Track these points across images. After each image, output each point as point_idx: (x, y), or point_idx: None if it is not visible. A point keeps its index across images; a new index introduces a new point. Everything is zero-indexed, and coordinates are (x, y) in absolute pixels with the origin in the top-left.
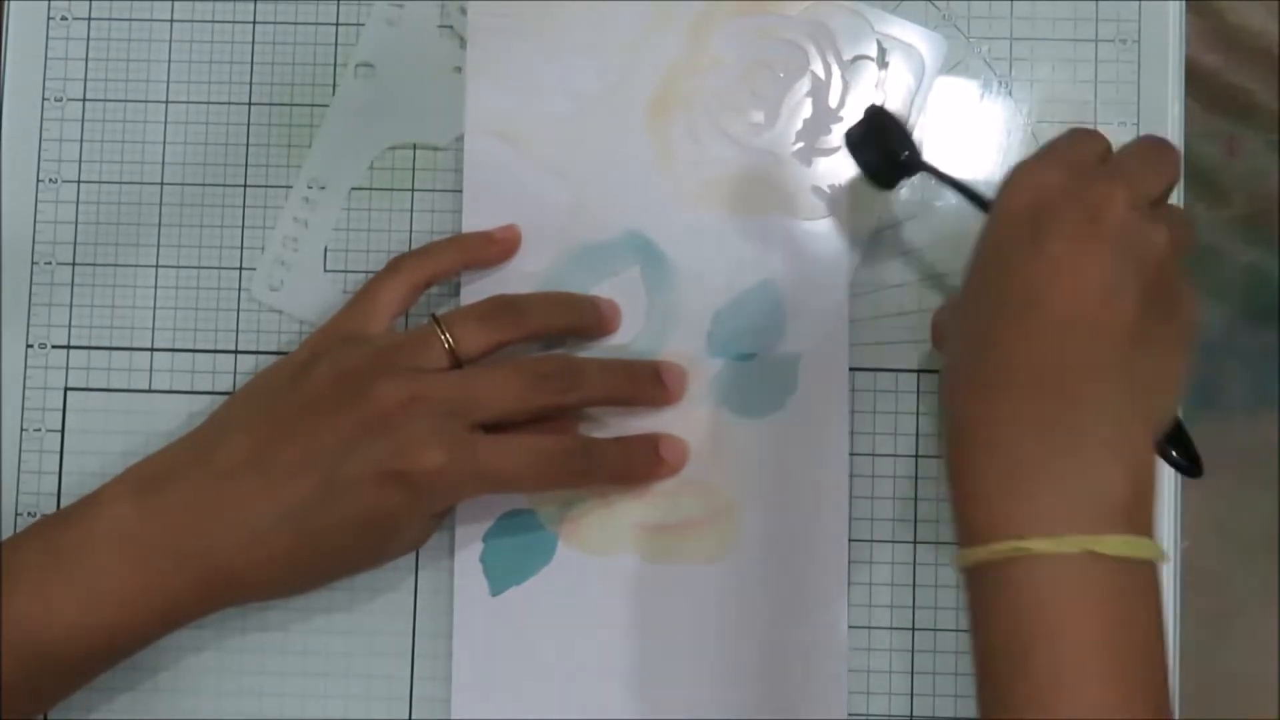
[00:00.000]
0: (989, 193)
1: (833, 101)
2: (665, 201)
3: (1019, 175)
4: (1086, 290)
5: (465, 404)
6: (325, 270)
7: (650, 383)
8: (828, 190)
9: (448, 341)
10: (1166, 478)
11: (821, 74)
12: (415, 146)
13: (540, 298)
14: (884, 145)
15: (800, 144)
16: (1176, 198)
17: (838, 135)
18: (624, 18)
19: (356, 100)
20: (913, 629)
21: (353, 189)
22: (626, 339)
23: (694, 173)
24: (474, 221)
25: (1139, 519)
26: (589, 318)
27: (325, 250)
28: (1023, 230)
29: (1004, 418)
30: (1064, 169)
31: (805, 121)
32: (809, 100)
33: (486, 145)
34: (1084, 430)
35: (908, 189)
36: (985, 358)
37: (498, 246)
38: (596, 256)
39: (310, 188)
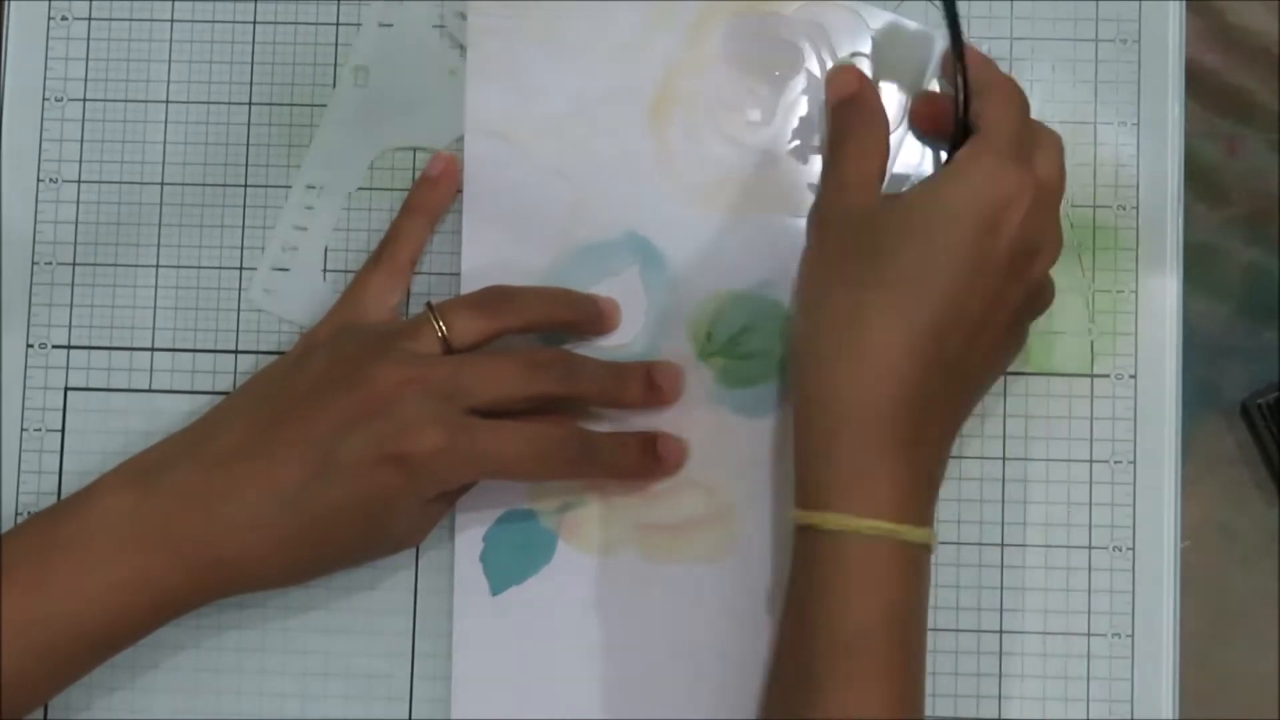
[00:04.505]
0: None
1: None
2: (665, 201)
3: (985, 174)
4: (984, 331)
5: (460, 388)
6: (325, 274)
7: (642, 385)
8: None
9: (441, 329)
10: (1167, 477)
11: (818, 72)
12: (414, 150)
13: (536, 290)
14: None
15: (797, 142)
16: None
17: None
18: (623, 18)
19: (353, 104)
20: None
21: (352, 191)
22: (626, 339)
23: (693, 172)
24: (474, 221)
25: (932, 511)
26: (586, 313)
27: (325, 251)
28: (967, 235)
29: (854, 410)
30: (1027, 186)
31: (801, 119)
32: (805, 98)
33: (487, 145)
34: (936, 444)
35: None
36: (854, 346)
37: (441, 185)
38: (596, 256)
39: (309, 189)
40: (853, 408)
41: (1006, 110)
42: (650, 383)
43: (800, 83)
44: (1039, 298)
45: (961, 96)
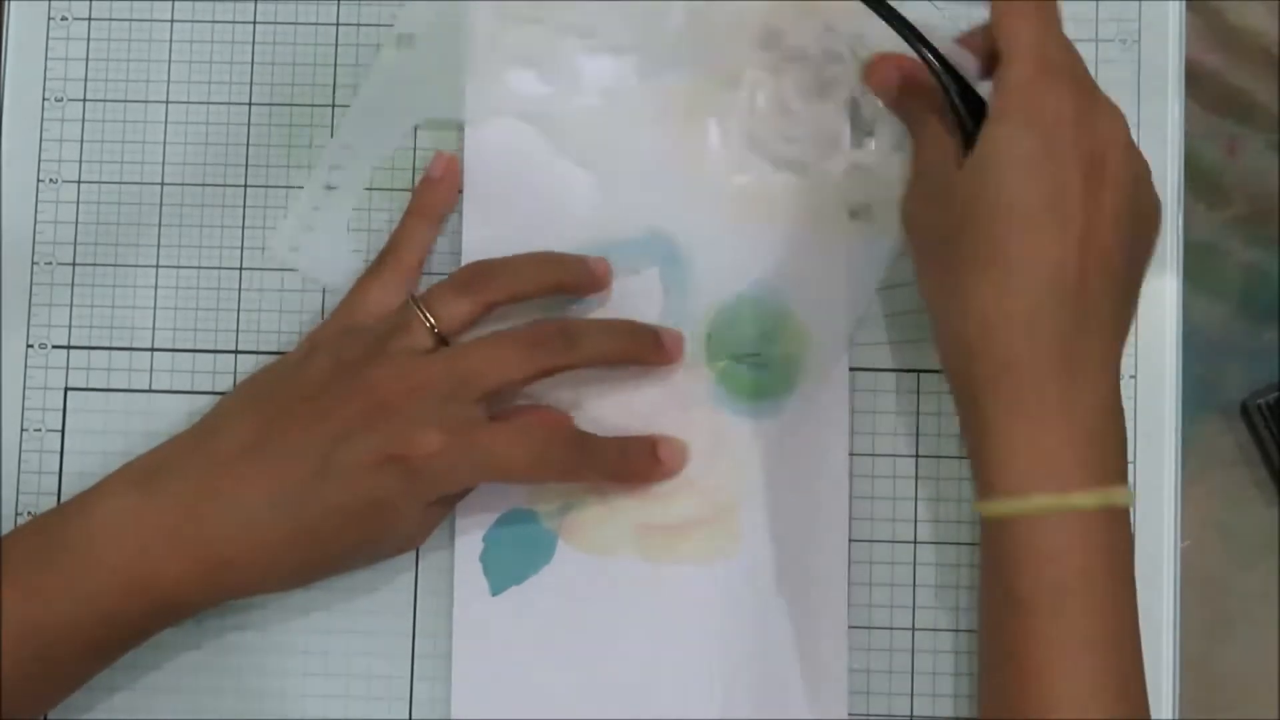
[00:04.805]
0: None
1: (867, 114)
2: (691, 204)
3: (1025, 100)
4: (1096, 249)
5: (463, 382)
6: (348, 233)
7: (651, 341)
8: (856, 207)
9: (428, 319)
10: (1167, 477)
11: (858, 91)
12: (458, 127)
13: (520, 257)
14: None
15: (833, 157)
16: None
17: (867, 151)
18: (668, 19)
19: (395, 71)
20: (913, 629)
21: (385, 157)
22: None
23: (724, 178)
24: (476, 203)
25: (1108, 465)
26: (576, 273)
27: (349, 217)
28: (1032, 172)
29: (1027, 375)
30: (1069, 89)
31: (838, 135)
32: (843, 114)
33: (516, 129)
34: (1100, 387)
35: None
36: (964, 337)
37: (443, 186)
38: (618, 253)
39: (344, 149)
40: (989, 392)
41: (1015, 17)
42: (658, 342)
43: (841, 97)
44: (1129, 180)
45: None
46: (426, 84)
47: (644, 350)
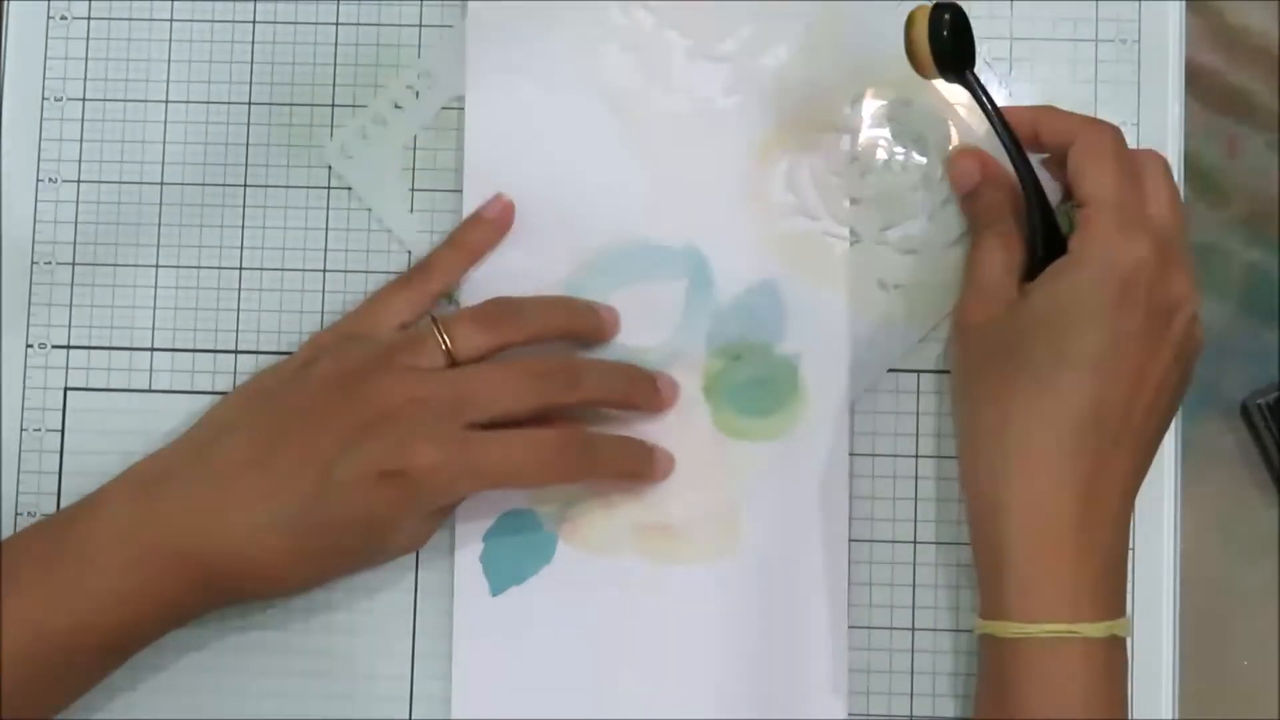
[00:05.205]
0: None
1: (933, 200)
2: (738, 234)
3: (1101, 258)
4: (1137, 403)
5: (462, 403)
6: (403, 151)
7: (648, 387)
8: (892, 283)
9: (445, 342)
10: (1167, 477)
11: (937, 173)
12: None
13: (538, 300)
14: (963, 41)
15: (888, 231)
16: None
17: (923, 235)
18: (773, 50)
19: (492, 16)
20: (913, 629)
21: (453, 97)
22: (650, 343)
23: (776, 219)
24: (476, 178)
25: (1117, 598)
26: (587, 322)
27: (409, 138)
28: (1102, 320)
29: (1017, 519)
30: (1144, 251)
31: (899, 210)
32: (911, 192)
33: (588, 108)
34: (1113, 526)
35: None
36: (1008, 458)
37: (492, 226)
38: (652, 256)
39: (422, 76)
40: (1015, 517)
41: (1099, 167)
42: (654, 390)
43: (915, 176)
44: (1188, 343)
45: (1033, 192)
46: (517, 38)
47: (641, 398)
